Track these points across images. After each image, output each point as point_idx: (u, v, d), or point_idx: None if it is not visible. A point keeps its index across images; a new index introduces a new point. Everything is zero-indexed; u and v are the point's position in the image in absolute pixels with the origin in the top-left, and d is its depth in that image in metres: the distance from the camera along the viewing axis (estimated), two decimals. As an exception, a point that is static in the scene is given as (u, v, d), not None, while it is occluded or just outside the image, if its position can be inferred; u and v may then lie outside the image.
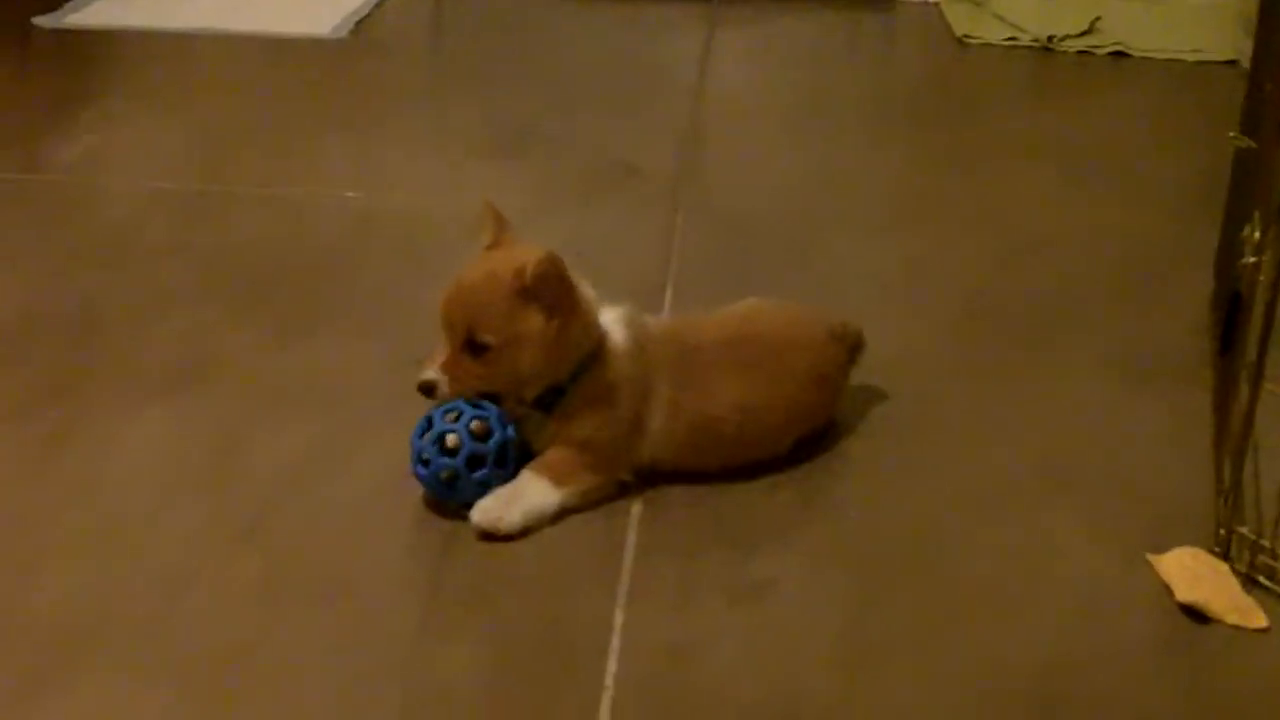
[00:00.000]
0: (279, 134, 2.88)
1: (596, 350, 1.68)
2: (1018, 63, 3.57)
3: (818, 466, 1.78)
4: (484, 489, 1.63)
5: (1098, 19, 3.70)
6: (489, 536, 1.60)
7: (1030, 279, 2.33)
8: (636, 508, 1.68)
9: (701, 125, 3.02)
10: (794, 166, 2.81)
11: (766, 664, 1.44)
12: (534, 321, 1.62)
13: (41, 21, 3.54)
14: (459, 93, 3.22)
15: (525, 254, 1.64)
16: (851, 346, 1.86)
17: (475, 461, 1.62)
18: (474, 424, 1.62)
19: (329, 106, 3.06)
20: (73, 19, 3.58)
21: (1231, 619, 1.52)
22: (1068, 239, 2.49)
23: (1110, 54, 3.61)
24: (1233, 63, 3.53)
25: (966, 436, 1.86)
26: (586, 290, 1.69)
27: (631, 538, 1.63)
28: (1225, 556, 1.61)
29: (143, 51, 3.42)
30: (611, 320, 1.71)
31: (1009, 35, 3.70)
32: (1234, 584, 1.57)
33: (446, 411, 1.63)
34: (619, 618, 1.49)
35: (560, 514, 1.65)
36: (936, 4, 4.01)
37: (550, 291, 1.62)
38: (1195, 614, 1.53)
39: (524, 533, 1.61)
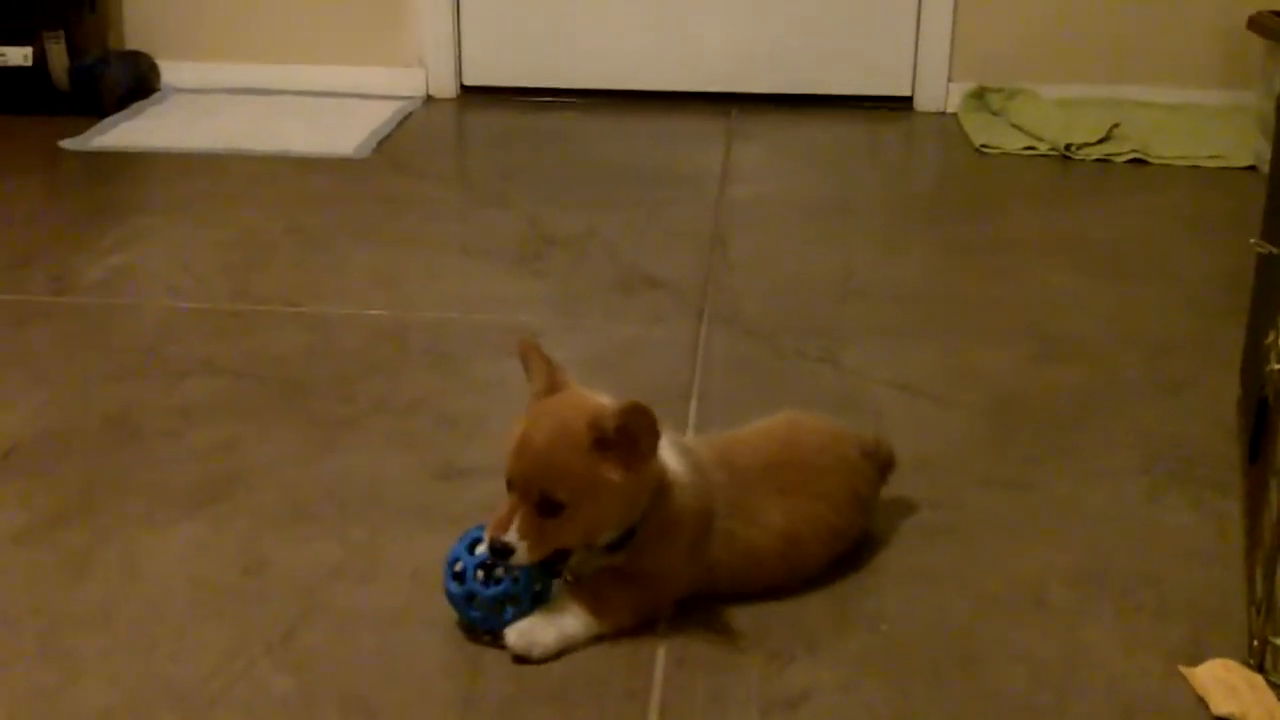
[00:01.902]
0: (304, 250, 2.91)
1: (659, 485, 1.63)
2: (1037, 169, 3.60)
3: (849, 577, 1.77)
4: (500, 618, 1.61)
5: (1115, 126, 3.74)
6: (521, 660, 1.58)
7: (1056, 381, 2.33)
8: (665, 621, 1.67)
9: (724, 233, 3.04)
10: (817, 272, 2.83)
11: (802, 778, 1.42)
12: (612, 475, 1.55)
13: (68, 144, 3.60)
14: (481, 206, 3.26)
15: (592, 401, 1.59)
16: (883, 464, 1.86)
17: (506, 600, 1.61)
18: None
19: (354, 223, 3.10)
20: (99, 141, 3.64)
21: (1271, 729, 1.50)
22: (1093, 341, 2.50)
23: (1129, 161, 3.64)
24: (1252, 168, 3.55)
25: (997, 543, 1.85)
26: None
27: (662, 651, 1.61)
28: (1260, 668, 1.59)
29: (169, 170, 3.47)
30: (664, 449, 1.64)
31: (1026, 145, 3.73)
32: (1269, 696, 1.55)
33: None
34: (652, 733, 1.48)
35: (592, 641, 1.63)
36: (954, 114, 4.06)
37: (630, 442, 1.55)
38: (1233, 725, 1.51)
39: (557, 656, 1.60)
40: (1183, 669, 1.59)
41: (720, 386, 2.29)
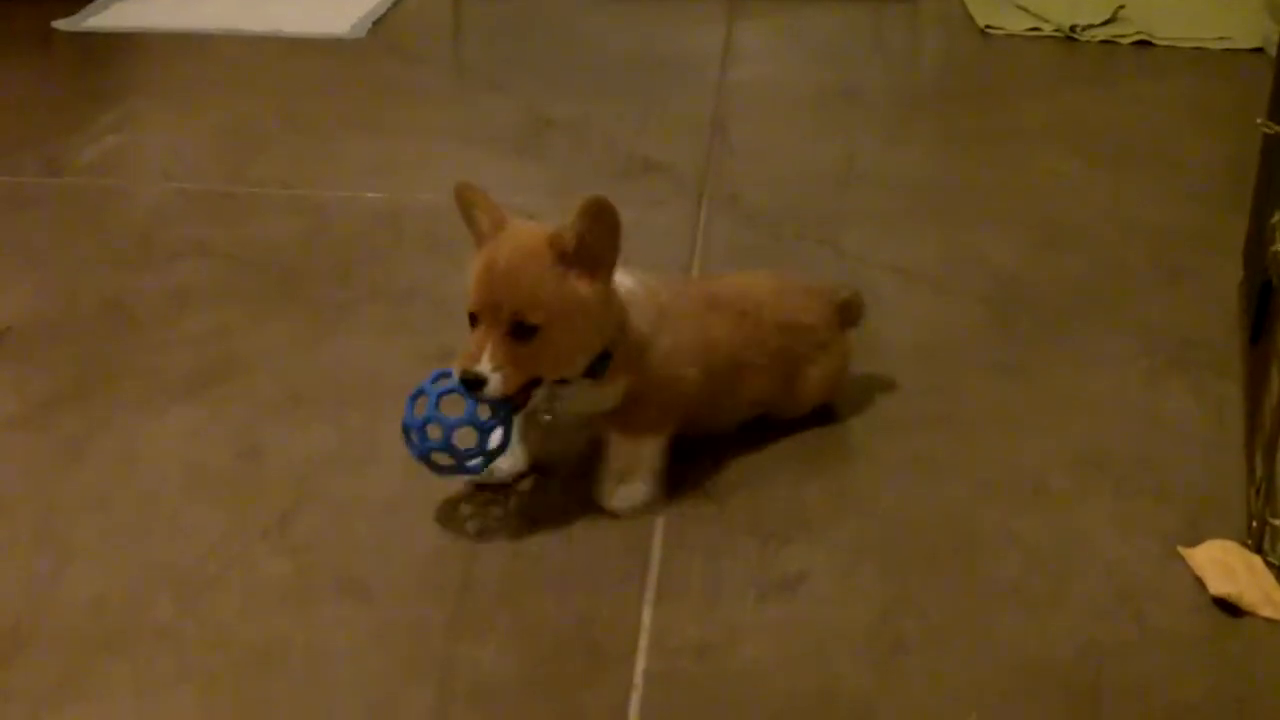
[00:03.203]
0: (300, 134, 2.87)
1: (621, 304, 1.61)
2: (1041, 52, 3.55)
3: (845, 461, 1.77)
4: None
5: (1121, 8, 3.68)
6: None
7: (1058, 268, 2.31)
8: (661, 505, 1.67)
9: (724, 118, 3.00)
10: (818, 158, 2.80)
11: (797, 660, 1.42)
12: (581, 289, 1.53)
13: (61, 25, 3.55)
14: (478, 90, 3.21)
15: (547, 225, 1.56)
16: (842, 307, 1.85)
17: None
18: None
19: (348, 106, 3.06)
20: (92, 21, 3.58)
21: (1265, 612, 1.50)
22: (1095, 227, 2.48)
23: (1134, 43, 3.59)
24: (1259, 50, 3.50)
25: (996, 429, 1.85)
26: None
27: (658, 536, 1.62)
28: (1258, 549, 1.59)
29: (162, 52, 3.42)
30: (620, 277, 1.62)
31: (1031, 25, 3.68)
32: (1267, 577, 1.55)
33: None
34: (647, 616, 1.48)
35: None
36: (959, -6, 3.99)
37: (599, 248, 1.52)
38: (1228, 607, 1.51)
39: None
40: (1181, 550, 1.59)
41: (720, 270, 2.27)
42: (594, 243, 1.52)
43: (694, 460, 1.74)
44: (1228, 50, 3.55)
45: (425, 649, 1.43)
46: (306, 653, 1.43)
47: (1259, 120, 2.04)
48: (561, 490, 1.70)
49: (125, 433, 1.80)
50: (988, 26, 3.68)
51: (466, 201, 1.60)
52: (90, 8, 3.68)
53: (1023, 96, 3.21)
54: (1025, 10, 3.76)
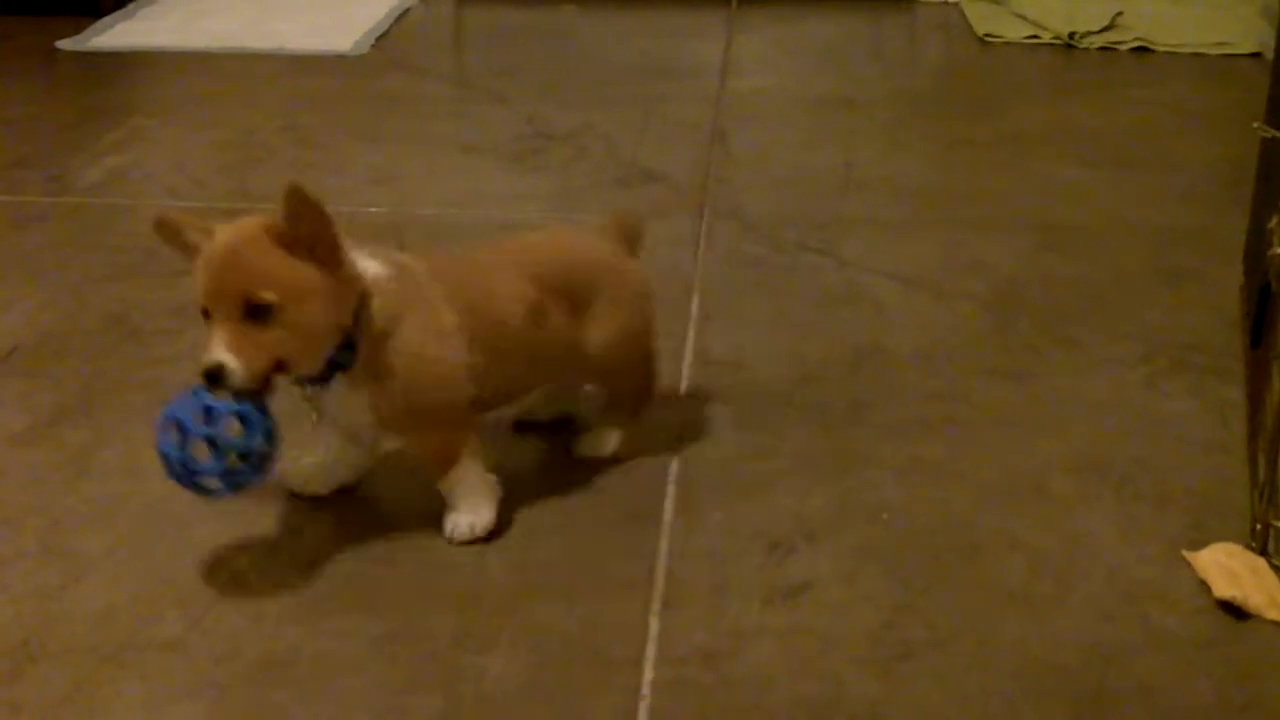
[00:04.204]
0: (302, 149, 2.89)
1: (366, 289, 1.56)
2: (1040, 59, 3.56)
3: (849, 467, 1.77)
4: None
5: (1119, 14, 3.69)
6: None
7: (1058, 272, 2.32)
8: (668, 513, 1.68)
9: (724, 128, 3.01)
10: (818, 166, 2.81)
11: (804, 666, 1.43)
12: (309, 272, 1.49)
13: (65, 44, 3.56)
14: (480, 103, 3.22)
15: (259, 217, 1.51)
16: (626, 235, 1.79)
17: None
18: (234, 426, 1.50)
19: (351, 121, 3.07)
20: (96, 41, 3.60)
21: (1270, 615, 1.51)
22: (1095, 231, 2.49)
23: (1133, 49, 3.60)
24: (1256, 55, 3.51)
25: (998, 433, 1.85)
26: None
27: (664, 544, 1.62)
28: (1262, 552, 1.59)
29: (166, 70, 3.44)
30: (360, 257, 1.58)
31: (1030, 34, 3.69)
32: (1272, 579, 1.55)
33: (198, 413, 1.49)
34: (654, 624, 1.49)
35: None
36: (956, 4, 4.00)
37: (309, 231, 1.48)
38: (1233, 610, 1.51)
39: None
40: (1185, 554, 1.60)
41: (722, 280, 2.28)
42: (305, 229, 1.48)
43: (697, 466, 1.75)
44: (1226, 55, 3.56)
45: (432, 658, 1.44)
46: (314, 664, 1.44)
47: (1256, 124, 2.05)
48: (564, 498, 1.71)
49: (131, 446, 1.81)
50: (986, 35, 3.69)
51: (170, 230, 1.55)
52: (94, 27, 3.70)
53: (1022, 103, 3.22)
54: (1023, 18, 3.78)
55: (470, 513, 1.63)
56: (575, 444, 1.81)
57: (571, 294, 1.70)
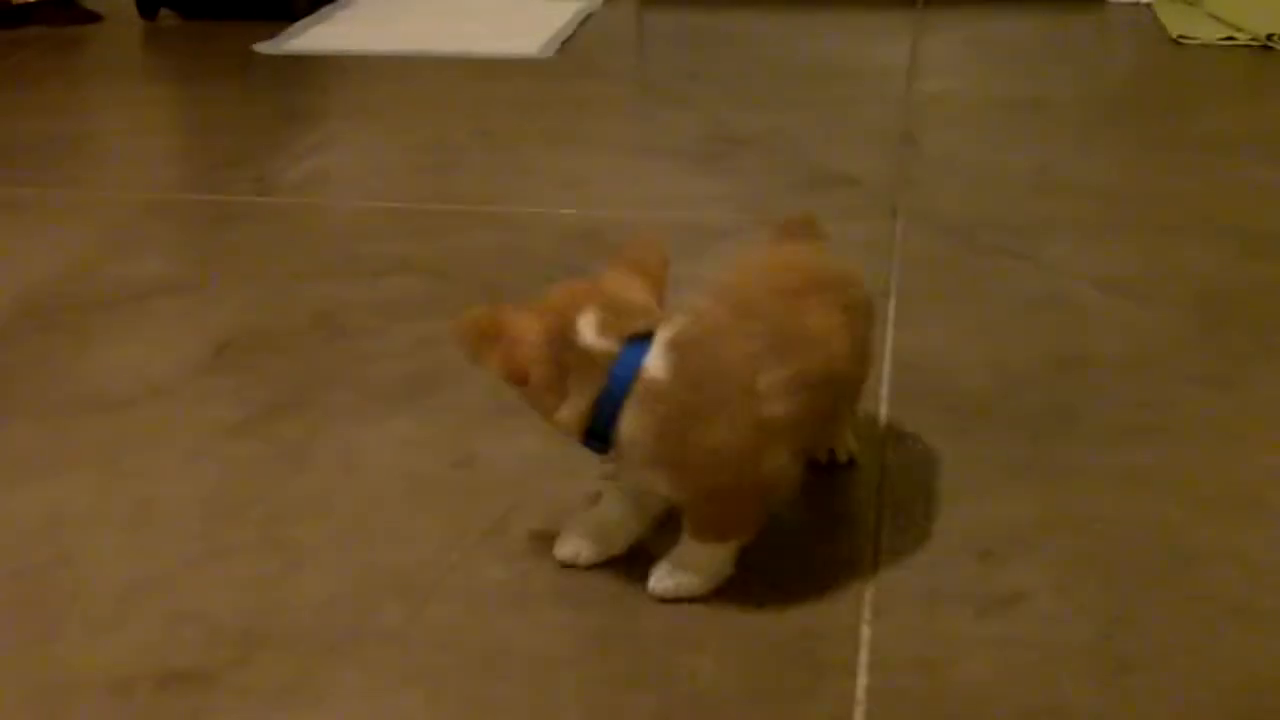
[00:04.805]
0: (494, 151, 2.93)
1: None
2: (1236, 61, 3.47)
3: (1056, 477, 1.75)
4: None
5: (1320, 15, 3.58)
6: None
7: (1265, 278, 2.26)
8: (876, 519, 1.67)
9: (914, 130, 2.99)
10: (1012, 168, 2.77)
11: (1020, 677, 1.41)
12: None
13: (262, 48, 3.67)
14: (665, 106, 3.24)
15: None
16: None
17: None
18: None
19: (540, 123, 3.11)
20: (292, 44, 3.70)
21: None
22: (1300, 238, 2.42)
23: (1335, 50, 3.49)
24: None
25: (1209, 442, 1.81)
26: None
27: (871, 551, 1.61)
28: None
29: (359, 74, 3.52)
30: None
31: (1225, 35, 3.59)
32: None
33: None
34: (866, 631, 1.48)
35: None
36: (1148, 4, 3.92)
37: None
38: None
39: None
40: None
41: (919, 283, 2.26)
42: None
43: (903, 472, 1.74)
44: None
45: (644, 656, 1.45)
46: (528, 657, 1.45)
47: None
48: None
49: (343, 440, 1.86)
50: (1180, 36, 3.61)
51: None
52: (289, 31, 3.79)
53: (1217, 105, 3.14)
54: (1219, 19, 3.68)
55: (692, 574, 1.54)
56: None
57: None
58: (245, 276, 2.35)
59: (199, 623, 1.51)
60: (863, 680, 1.41)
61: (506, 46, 3.64)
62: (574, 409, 1.47)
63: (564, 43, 3.68)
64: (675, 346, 1.46)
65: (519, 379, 1.47)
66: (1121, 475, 1.75)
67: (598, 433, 1.47)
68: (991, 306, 2.19)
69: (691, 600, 1.52)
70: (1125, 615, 1.50)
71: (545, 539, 1.63)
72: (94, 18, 3.96)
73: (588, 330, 1.46)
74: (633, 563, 1.60)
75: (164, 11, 3.98)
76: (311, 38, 3.76)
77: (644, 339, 1.46)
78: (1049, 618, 1.50)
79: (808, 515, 1.67)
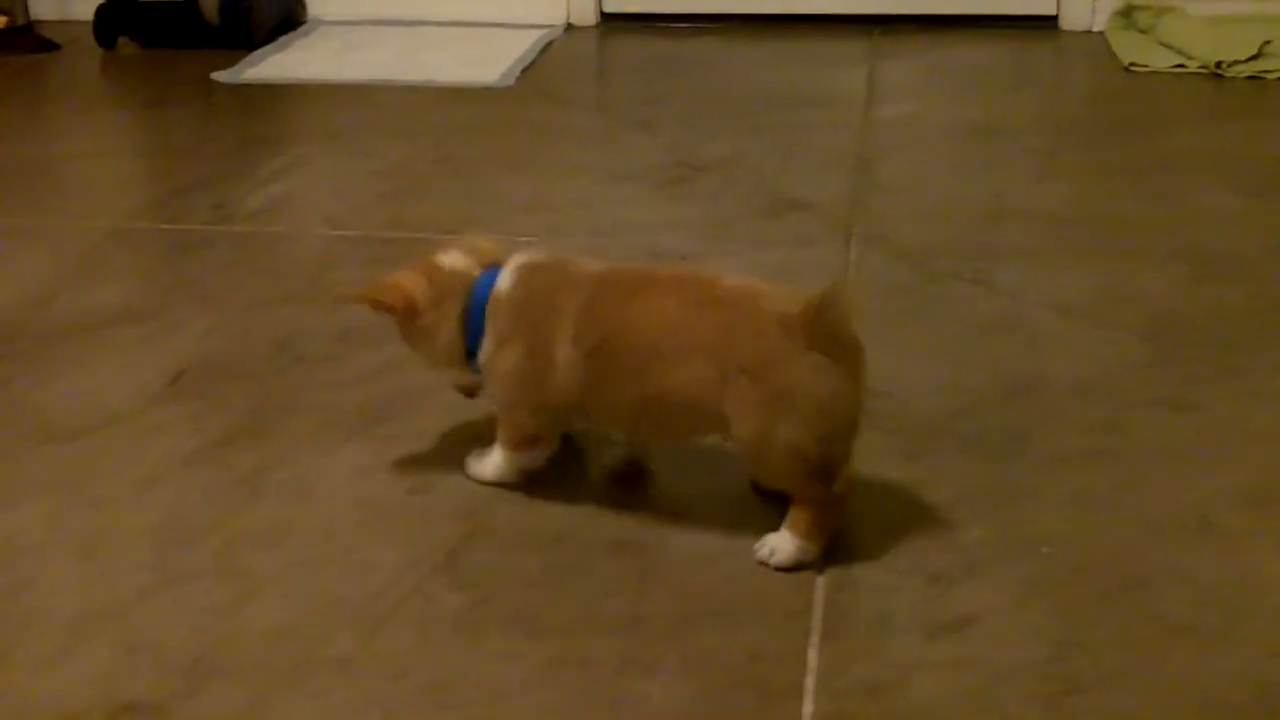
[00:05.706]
0: (455, 178, 2.94)
1: None
2: (1187, 88, 3.50)
3: (1009, 499, 1.76)
4: None
5: (1267, 43, 3.61)
6: None
7: (1218, 301, 2.28)
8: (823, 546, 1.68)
9: (870, 156, 3.01)
10: (966, 195, 2.79)
11: (969, 700, 1.42)
12: None
13: (221, 77, 3.66)
14: (626, 132, 3.25)
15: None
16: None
17: None
18: None
19: (501, 152, 3.12)
20: (250, 73, 3.70)
21: None
22: (1253, 260, 2.44)
23: (1282, 78, 3.53)
24: None
25: (1162, 465, 1.83)
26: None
27: (820, 577, 1.62)
28: None
29: (320, 102, 3.52)
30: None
31: (1176, 63, 3.63)
32: None
33: None
34: (813, 655, 1.49)
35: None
36: (1101, 32, 3.96)
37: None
38: None
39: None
40: (1358, 593, 1.56)
41: (874, 309, 2.26)
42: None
43: (855, 496, 1.75)
44: (1384, 82, 3.48)
45: (596, 683, 1.46)
46: (480, 686, 1.46)
47: None
48: (725, 525, 1.71)
49: (299, 468, 1.86)
50: (1132, 64, 3.64)
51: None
52: (247, 60, 3.79)
53: (1170, 131, 3.17)
54: (1169, 47, 3.71)
55: (481, 468, 1.79)
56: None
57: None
58: (204, 304, 2.35)
59: (150, 652, 1.51)
60: (809, 705, 1.42)
61: (467, 74, 3.65)
62: (448, 333, 1.73)
63: (525, 70, 3.69)
64: (522, 268, 1.74)
65: (408, 303, 1.73)
66: (1072, 497, 1.76)
67: (473, 352, 1.73)
68: (946, 331, 2.21)
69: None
70: (1074, 637, 1.52)
71: (499, 568, 1.64)
72: (52, 46, 3.95)
73: (454, 259, 1.78)
74: (585, 590, 1.61)
75: (122, 40, 3.97)
76: (270, 66, 3.76)
77: (499, 267, 1.75)
78: (999, 640, 1.51)
79: (758, 538, 1.67)
